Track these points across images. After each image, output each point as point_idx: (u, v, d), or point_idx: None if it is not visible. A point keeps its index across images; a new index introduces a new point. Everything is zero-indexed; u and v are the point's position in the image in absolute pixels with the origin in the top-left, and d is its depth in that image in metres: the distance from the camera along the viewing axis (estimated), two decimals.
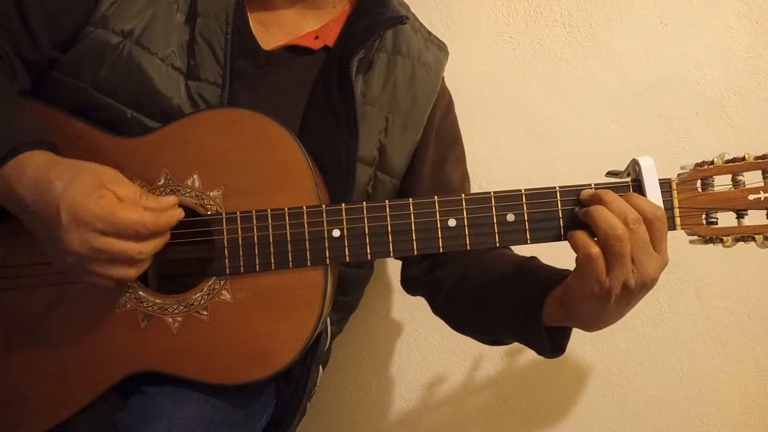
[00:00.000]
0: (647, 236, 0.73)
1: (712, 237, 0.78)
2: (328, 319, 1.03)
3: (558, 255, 0.87)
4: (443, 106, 1.05)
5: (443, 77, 1.05)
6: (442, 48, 1.07)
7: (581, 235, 0.74)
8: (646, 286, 0.75)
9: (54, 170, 0.75)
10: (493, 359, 1.34)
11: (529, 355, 1.33)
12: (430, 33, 1.07)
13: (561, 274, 0.84)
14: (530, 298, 0.85)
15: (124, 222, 0.73)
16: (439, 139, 1.04)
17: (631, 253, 0.73)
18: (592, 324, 0.81)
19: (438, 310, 1.04)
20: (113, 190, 0.75)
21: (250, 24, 0.96)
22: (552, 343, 0.86)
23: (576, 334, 1.30)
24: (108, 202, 0.74)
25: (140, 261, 0.77)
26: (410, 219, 0.81)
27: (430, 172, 1.02)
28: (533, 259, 0.94)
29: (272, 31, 0.98)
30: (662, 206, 0.77)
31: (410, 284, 1.08)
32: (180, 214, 0.79)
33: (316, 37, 0.98)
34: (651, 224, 0.73)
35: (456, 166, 1.06)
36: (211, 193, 0.84)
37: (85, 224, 0.73)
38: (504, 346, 1.07)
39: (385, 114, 0.98)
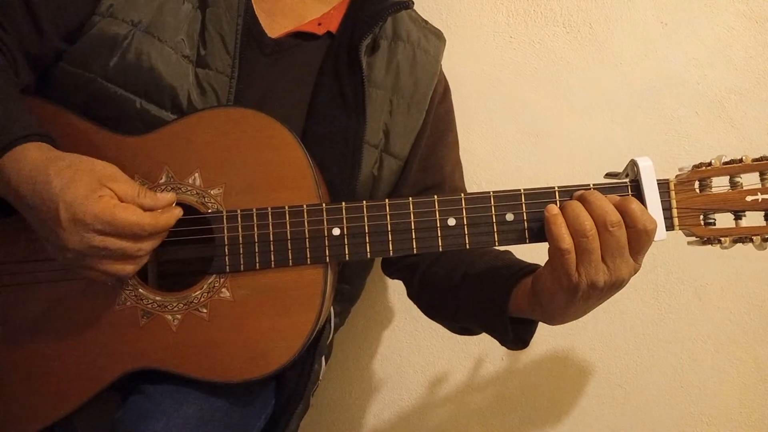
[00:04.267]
0: (625, 240, 0.73)
1: (710, 238, 0.78)
2: (332, 311, 1.03)
3: None
4: (441, 91, 1.07)
5: (441, 64, 1.07)
6: (439, 36, 1.08)
7: (557, 229, 0.75)
8: (615, 286, 0.75)
9: (53, 166, 0.75)
10: (493, 359, 1.34)
11: (529, 355, 1.33)
12: (426, 22, 1.09)
13: (529, 267, 0.86)
14: (498, 287, 0.86)
15: (123, 223, 0.74)
16: (435, 122, 1.05)
17: (606, 254, 0.73)
18: (557, 317, 0.81)
19: (412, 294, 1.06)
20: (112, 187, 0.76)
21: (255, 12, 0.97)
22: (516, 335, 0.87)
23: (577, 334, 1.31)
24: (107, 202, 0.74)
25: (138, 258, 0.78)
26: (410, 218, 0.82)
27: (424, 153, 1.04)
28: (507, 252, 0.96)
29: (277, 19, 0.99)
30: (661, 208, 0.77)
31: (388, 267, 1.10)
32: (178, 213, 0.80)
33: (319, 24, 1.00)
34: (638, 234, 0.73)
35: (449, 151, 1.08)
36: (212, 192, 0.84)
37: (84, 224, 0.73)
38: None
39: (389, 97, 0.99)
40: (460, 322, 0.98)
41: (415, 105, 1.01)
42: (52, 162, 0.76)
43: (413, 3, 1.01)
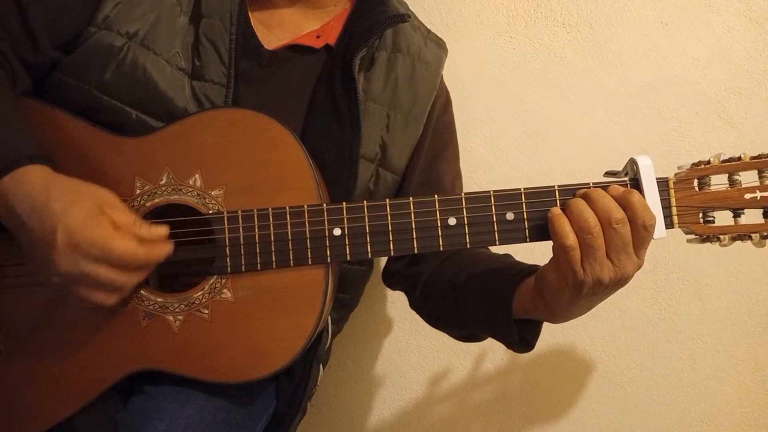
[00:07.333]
0: (630, 237, 0.74)
1: (709, 236, 0.79)
2: (329, 318, 1.03)
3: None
4: (441, 103, 1.06)
5: (442, 75, 1.06)
6: (441, 45, 1.07)
7: (560, 226, 0.75)
8: (619, 283, 0.76)
9: (54, 189, 0.76)
10: (493, 359, 1.34)
11: (529, 354, 1.32)
12: (429, 31, 1.08)
13: (531, 268, 0.86)
14: (502, 288, 0.86)
15: (117, 252, 0.74)
16: (436, 135, 1.04)
17: (610, 250, 0.74)
18: (561, 314, 0.81)
19: (414, 304, 1.05)
20: (111, 215, 0.76)
21: (252, 24, 0.97)
22: (521, 337, 0.87)
23: (577, 333, 1.31)
24: (104, 230, 0.74)
25: (122, 290, 0.78)
26: (411, 218, 0.82)
27: (424, 167, 1.03)
28: (507, 256, 0.96)
29: (274, 31, 0.99)
30: (660, 206, 0.77)
31: (390, 278, 1.09)
32: (170, 248, 0.80)
33: (318, 36, 0.99)
34: (638, 230, 0.74)
35: (449, 164, 1.07)
36: (212, 192, 0.84)
37: (79, 249, 0.73)
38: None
39: (386, 111, 0.99)
40: (464, 328, 0.98)
41: (413, 119, 1.01)
42: (53, 185, 0.76)
43: (410, 16, 1.00)
